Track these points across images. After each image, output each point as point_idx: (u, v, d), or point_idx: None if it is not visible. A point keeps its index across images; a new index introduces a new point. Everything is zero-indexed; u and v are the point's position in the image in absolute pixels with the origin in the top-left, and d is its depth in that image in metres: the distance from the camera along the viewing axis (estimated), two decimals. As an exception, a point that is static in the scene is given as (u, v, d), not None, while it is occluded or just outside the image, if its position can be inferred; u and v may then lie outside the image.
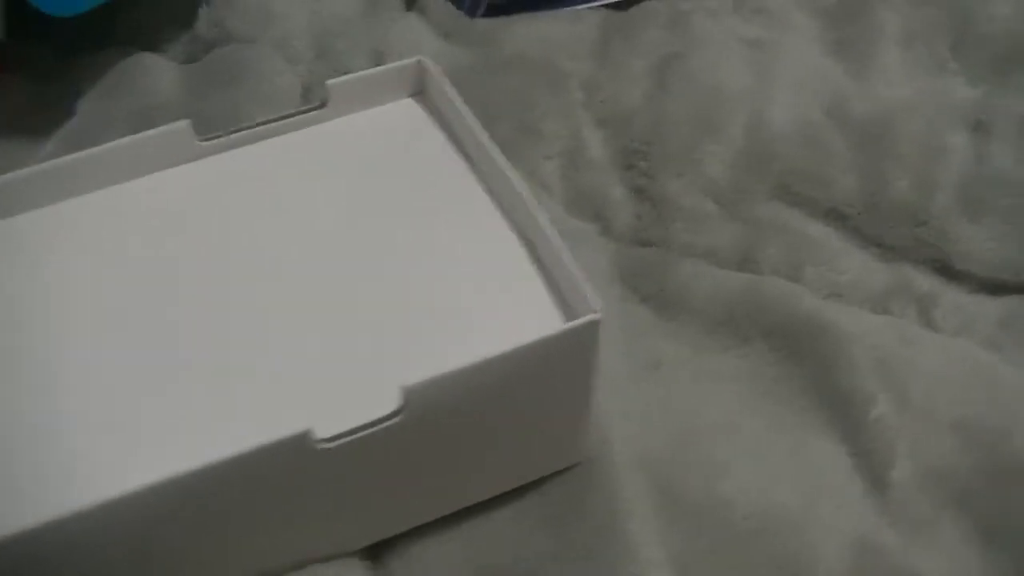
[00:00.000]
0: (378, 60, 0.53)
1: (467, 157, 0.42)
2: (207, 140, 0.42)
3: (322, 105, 0.43)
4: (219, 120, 0.48)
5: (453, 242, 0.39)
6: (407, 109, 0.43)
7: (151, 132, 0.41)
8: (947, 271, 0.46)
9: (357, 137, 0.43)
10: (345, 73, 0.43)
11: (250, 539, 0.35)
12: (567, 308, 0.37)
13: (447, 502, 0.38)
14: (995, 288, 0.46)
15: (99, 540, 0.32)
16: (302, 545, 0.36)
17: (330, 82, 0.43)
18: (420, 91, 0.44)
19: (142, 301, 0.38)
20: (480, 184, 0.41)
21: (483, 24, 0.55)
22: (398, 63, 0.43)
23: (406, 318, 0.37)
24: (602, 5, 0.56)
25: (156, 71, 0.52)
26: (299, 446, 0.33)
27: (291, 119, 0.43)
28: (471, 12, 0.56)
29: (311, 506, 0.35)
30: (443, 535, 0.37)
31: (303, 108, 0.43)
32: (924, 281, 0.46)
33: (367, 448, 0.34)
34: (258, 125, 0.43)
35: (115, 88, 0.52)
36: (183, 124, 0.41)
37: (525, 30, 0.54)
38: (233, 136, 0.42)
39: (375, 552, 0.38)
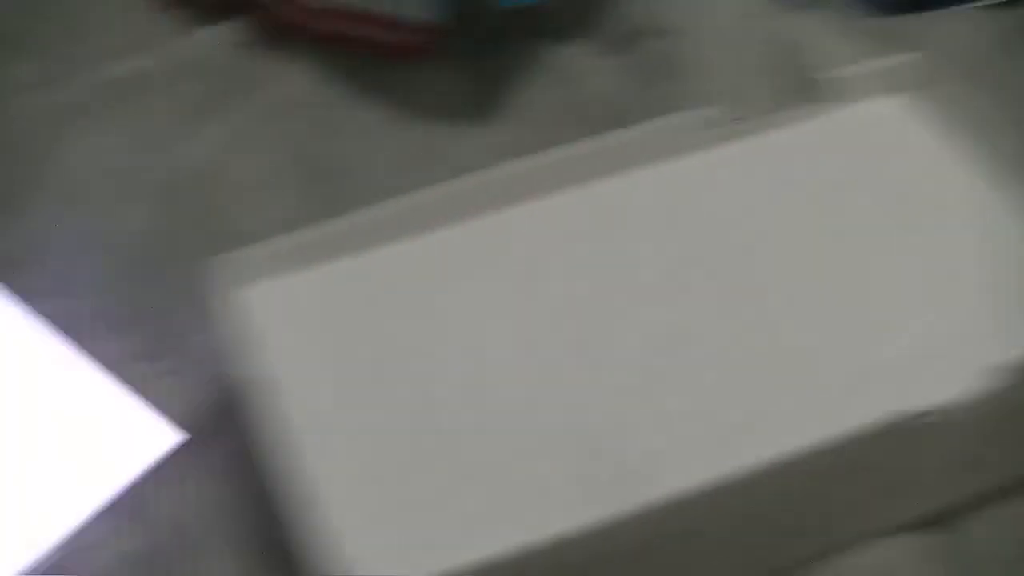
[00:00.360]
0: (796, 58, 0.53)
1: (968, 159, 0.42)
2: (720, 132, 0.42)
3: (813, 99, 0.43)
4: (656, 116, 0.48)
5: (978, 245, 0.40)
6: (902, 107, 0.44)
7: (679, 115, 0.43)
8: None
9: (853, 132, 0.44)
10: (784, 71, 0.44)
11: (849, 507, 0.37)
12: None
13: (999, 473, 0.39)
14: None
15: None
16: (876, 515, 0.38)
17: (822, 76, 0.44)
18: (918, 87, 0.44)
19: (675, 288, 0.39)
20: (989, 187, 0.41)
21: (891, 23, 0.55)
22: (895, 58, 0.44)
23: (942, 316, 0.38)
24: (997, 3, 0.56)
25: (588, 63, 0.53)
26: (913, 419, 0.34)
27: (784, 114, 0.43)
28: (880, 11, 0.56)
29: (898, 478, 0.37)
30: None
31: (800, 102, 0.44)
32: None
33: (966, 421, 0.35)
34: (747, 120, 0.43)
35: (546, 79, 0.53)
36: (708, 111, 0.42)
37: (934, 28, 0.54)
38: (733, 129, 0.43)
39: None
